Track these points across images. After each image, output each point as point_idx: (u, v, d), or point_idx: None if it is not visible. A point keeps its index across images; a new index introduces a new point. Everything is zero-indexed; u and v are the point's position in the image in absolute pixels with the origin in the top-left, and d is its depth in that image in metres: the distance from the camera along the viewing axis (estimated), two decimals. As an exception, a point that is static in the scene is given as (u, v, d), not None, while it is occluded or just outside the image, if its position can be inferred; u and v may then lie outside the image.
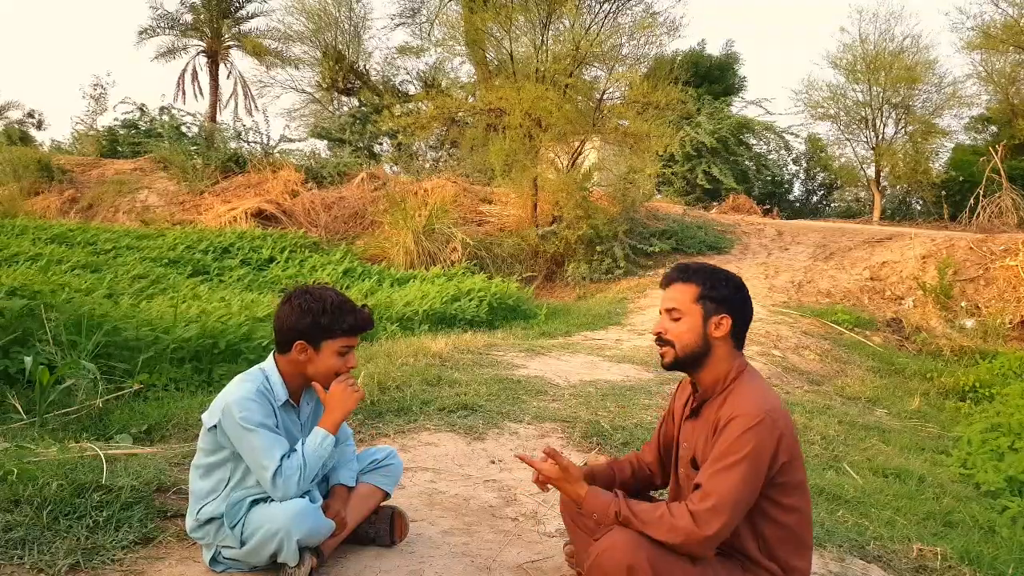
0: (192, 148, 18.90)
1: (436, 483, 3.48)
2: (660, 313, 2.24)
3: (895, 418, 6.34)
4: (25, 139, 25.79)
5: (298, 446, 2.39)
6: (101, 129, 21.89)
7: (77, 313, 5.27)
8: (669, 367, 2.23)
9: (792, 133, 25.54)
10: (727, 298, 2.16)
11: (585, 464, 3.85)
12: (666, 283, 2.25)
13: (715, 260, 13.98)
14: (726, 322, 2.15)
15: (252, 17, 27.05)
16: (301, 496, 2.38)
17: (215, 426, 2.39)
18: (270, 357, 2.54)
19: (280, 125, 47.48)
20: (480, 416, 4.49)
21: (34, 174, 17.44)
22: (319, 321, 2.40)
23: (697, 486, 2.01)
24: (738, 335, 2.19)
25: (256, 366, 2.55)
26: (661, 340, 2.21)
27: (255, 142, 19.58)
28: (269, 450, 2.33)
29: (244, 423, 2.33)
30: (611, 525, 2.07)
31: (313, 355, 2.43)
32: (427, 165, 21.86)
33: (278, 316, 2.47)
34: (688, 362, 2.18)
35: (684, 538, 1.95)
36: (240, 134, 20.10)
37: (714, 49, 27.59)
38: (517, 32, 15.03)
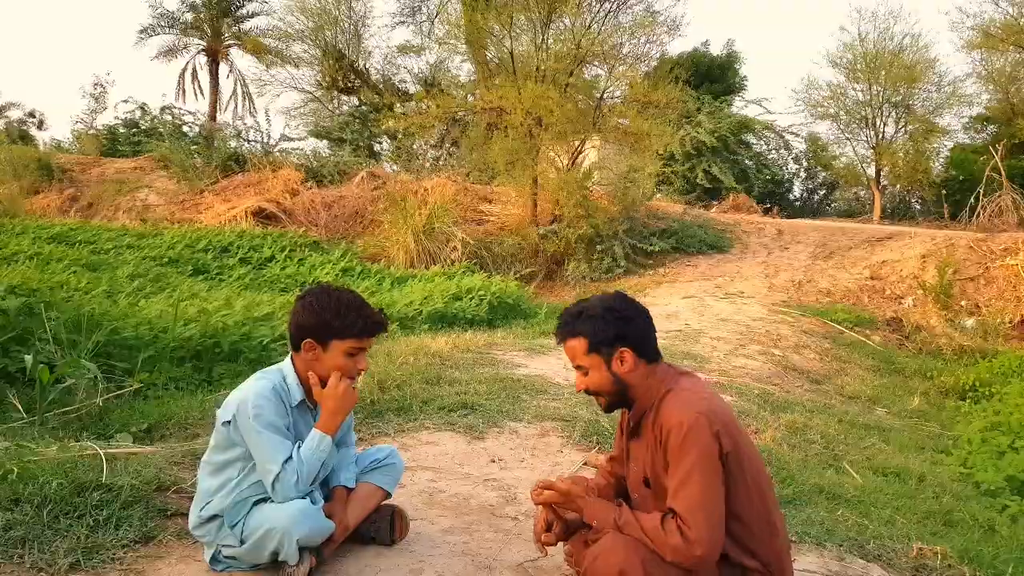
0: (192, 147, 18.91)
1: (436, 482, 3.47)
2: (574, 368, 2.26)
3: (895, 417, 6.34)
4: (25, 138, 25.78)
5: (292, 450, 2.38)
6: (102, 128, 21.91)
7: (77, 312, 5.27)
8: (608, 411, 2.30)
9: (792, 132, 25.59)
10: (616, 335, 2.15)
11: (584, 464, 3.86)
12: (560, 341, 2.25)
13: (715, 259, 14.01)
14: (627, 356, 2.16)
15: (252, 16, 27.01)
16: (302, 497, 2.38)
17: (229, 422, 2.39)
18: (288, 356, 2.54)
19: (280, 124, 47.47)
20: (480, 415, 4.49)
21: (34, 173, 17.46)
22: (329, 321, 2.39)
23: (671, 511, 2.01)
24: (646, 353, 2.19)
25: (275, 365, 2.55)
26: (588, 392, 2.25)
27: (255, 141, 19.61)
28: (275, 453, 2.34)
29: (255, 422, 2.33)
30: (609, 530, 2.08)
31: (321, 354, 2.42)
32: (427, 164, 21.87)
33: (292, 313, 2.48)
34: (621, 402, 2.24)
35: (674, 555, 1.96)
36: (240, 133, 20.13)
37: (716, 49, 27.53)
38: (518, 31, 15.03)
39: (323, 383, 2.45)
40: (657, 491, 2.14)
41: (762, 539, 2.10)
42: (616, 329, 2.15)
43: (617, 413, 2.39)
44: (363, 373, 2.52)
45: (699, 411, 2.03)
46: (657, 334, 2.27)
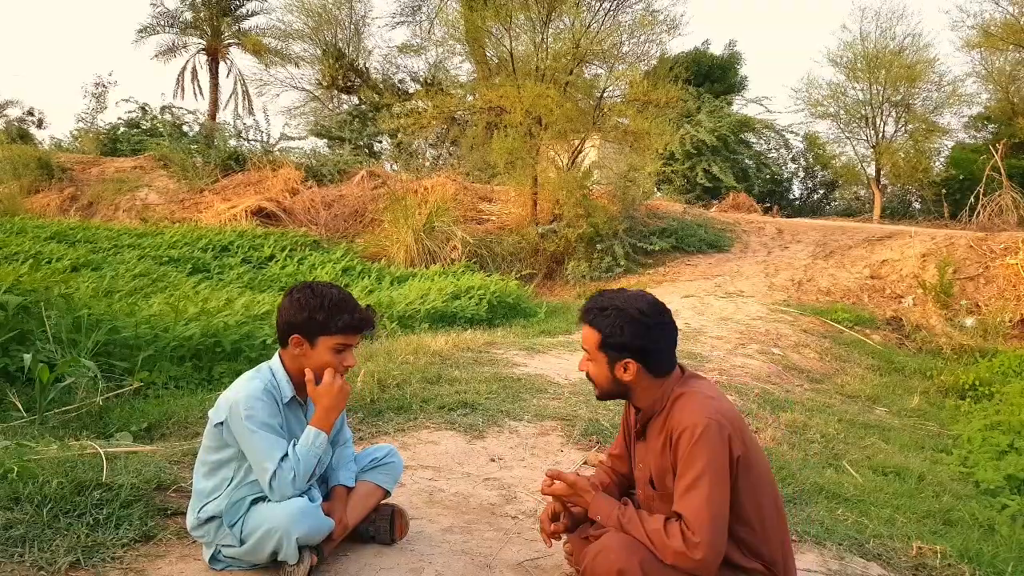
0: (192, 146, 18.89)
1: (436, 481, 3.48)
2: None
3: (895, 416, 6.34)
4: (25, 137, 25.74)
5: (288, 448, 2.38)
6: (102, 127, 21.90)
7: (77, 311, 5.27)
8: (600, 399, 2.29)
9: (792, 131, 25.58)
10: (627, 345, 2.12)
11: (584, 463, 3.86)
12: (579, 320, 2.25)
13: (715, 258, 14.01)
14: (631, 367, 2.14)
15: (252, 15, 27.09)
16: (300, 495, 2.39)
17: (221, 423, 2.39)
18: (277, 354, 2.54)
19: (280, 123, 47.42)
20: (480, 414, 4.49)
21: (34, 172, 17.42)
22: (315, 317, 2.40)
23: (678, 515, 2.01)
24: (655, 368, 2.16)
25: (265, 363, 2.55)
26: (587, 376, 2.25)
27: (255, 140, 19.61)
28: (270, 451, 2.34)
29: (248, 423, 2.33)
30: (610, 528, 2.09)
31: (308, 350, 2.43)
32: (427, 163, 21.86)
33: (279, 309, 2.48)
34: (612, 397, 2.24)
35: (675, 559, 1.97)
36: (240, 132, 20.12)
37: (718, 49, 27.57)
38: (517, 30, 15.01)
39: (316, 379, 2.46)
40: (663, 493, 2.14)
41: (767, 540, 2.10)
42: (631, 340, 2.13)
43: (614, 410, 2.39)
44: (350, 369, 2.52)
45: (711, 415, 2.02)
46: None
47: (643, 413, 2.21)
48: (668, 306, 2.24)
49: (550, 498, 2.35)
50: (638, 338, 2.13)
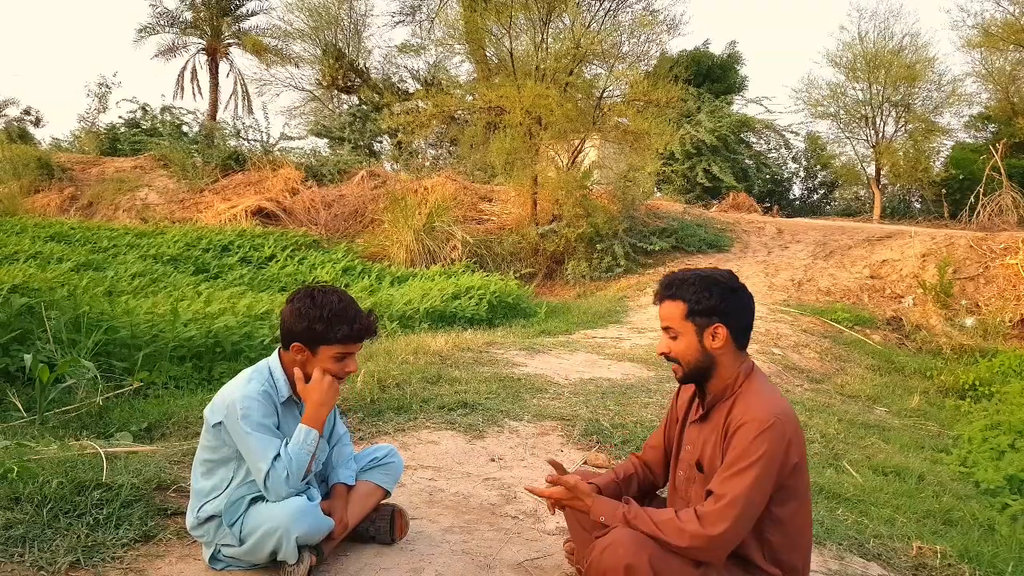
0: (192, 146, 18.89)
1: (436, 481, 3.48)
2: (661, 330, 2.23)
3: (895, 416, 6.34)
4: (24, 137, 25.76)
5: (280, 448, 2.38)
6: (103, 127, 21.91)
7: (77, 311, 5.27)
8: (682, 382, 2.26)
9: (792, 131, 25.59)
10: (716, 308, 2.12)
11: (584, 463, 3.86)
12: (658, 300, 2.22)
13: (715, 259, 14.00)
14: (721, 331, 2.13)
15: (252, 15, 27.14)
16: (299, 494, 2.39)
17: (219, 423, 2.39)
18: (276, 351, 2.55)
19: (280, 123, 47.45)
20: (480, 414, 4.49)
21: (34, 172, 17.42)
22: (314, 327, 2.39)
23: (709, 492, 2.01)
24: (739, 337, 2.17)
25: (263, 360, 2.56)
26: (668, 358, 2.21)
27: (255, 140, 19.61)
28: (264, 452, 2.34)
29: (243, 423, 2.34)
30: (616, 526, 2.07)
31: (310, 357, 2.43)
32: (427, 163, 21.86)
33: (282, 314, 2.49)
34: (698, 376, 2.20)
35: (691, 540, 1.95)
36: (240, 132, 20.11)
37: (717, 48, 27.55)
38: (517, 30, 15.01)
39: (307, 379, 2.46)
40: (708, 477, 2.13)
41: (794, 548, 2.10)
42: (719, 302, 2.12)
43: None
44: (351, 375, 2.52)
45: (778, 416, 2.03)
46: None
47: (712, 396, 2.19)
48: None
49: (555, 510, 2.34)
50: (725, 300, 2.13)
